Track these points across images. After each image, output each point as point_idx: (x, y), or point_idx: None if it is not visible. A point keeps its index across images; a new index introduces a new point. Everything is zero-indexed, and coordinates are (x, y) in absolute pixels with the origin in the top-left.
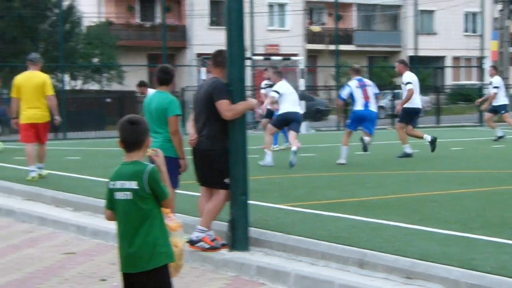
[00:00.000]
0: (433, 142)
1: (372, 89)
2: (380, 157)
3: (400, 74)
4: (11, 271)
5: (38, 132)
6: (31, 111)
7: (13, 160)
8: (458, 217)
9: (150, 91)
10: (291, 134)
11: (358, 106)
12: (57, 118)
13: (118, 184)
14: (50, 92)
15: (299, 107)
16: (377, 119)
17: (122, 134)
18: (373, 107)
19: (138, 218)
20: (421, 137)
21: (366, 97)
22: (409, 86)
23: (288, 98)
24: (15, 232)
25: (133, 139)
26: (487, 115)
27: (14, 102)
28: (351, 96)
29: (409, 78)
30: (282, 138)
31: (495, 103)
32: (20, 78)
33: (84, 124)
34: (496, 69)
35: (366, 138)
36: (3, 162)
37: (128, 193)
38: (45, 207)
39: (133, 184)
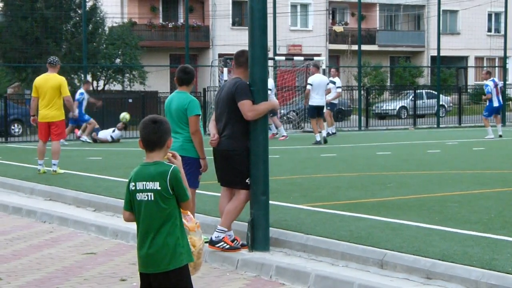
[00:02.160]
0: (325, 140)
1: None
2: (402, 157)
3: (312, 75)
4: (31, 271)
5: (51, 130)
6: (46, 111)
7: (33, 160)
8: (479, 218)
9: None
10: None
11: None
12: (75, 114)
13: (140, 185)
14: (67, 93)
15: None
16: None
17: (144, 133)
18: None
19: (159, 219)
20: (320, 130)
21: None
22: (307, 87)
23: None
24: (35, 232)
25: (155, 139)
26: None
27: (34, 101)
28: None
29: (311, 80)
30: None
31: None
32: (39, 80)
33: (106, 124)
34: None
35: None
36: (24, 162)
37: (150, 194)
38: (66, 207)
39: (156, 185)
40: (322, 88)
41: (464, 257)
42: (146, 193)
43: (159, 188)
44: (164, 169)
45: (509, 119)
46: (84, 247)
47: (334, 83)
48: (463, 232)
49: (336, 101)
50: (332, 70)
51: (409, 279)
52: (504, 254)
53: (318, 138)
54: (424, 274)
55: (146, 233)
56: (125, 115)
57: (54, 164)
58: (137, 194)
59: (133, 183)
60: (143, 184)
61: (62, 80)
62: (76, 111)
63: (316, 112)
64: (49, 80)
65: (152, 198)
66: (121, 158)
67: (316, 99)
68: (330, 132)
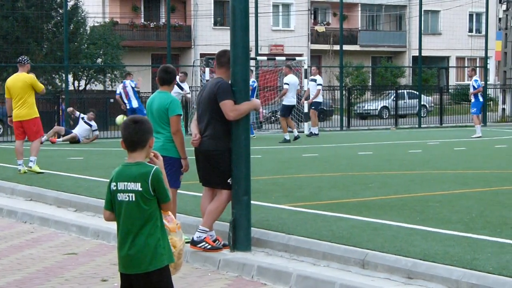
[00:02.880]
0: (296, 138)
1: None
2: (384, 157)
3: (285, 75)
4: (12, 272)
5: (26, 130)
6: (18, 110)
7: (14, 160)
8: (460, 217)
9: None
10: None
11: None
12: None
13: (121, 185)
14: (40, 88)
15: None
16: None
17: (125, 134)
18: None
19: (140, 220)
20: (292, 128)
21: None
22: (285, 86)
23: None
24: (16, 232)
25: (136, 138)
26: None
27: (7, 102)
28: None
29: (288, 80)
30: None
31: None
32: (10, 80)
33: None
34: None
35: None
36: (4, 162)
37: (131, 194)
38: (47, 207)
39: (138, 186)
40: (295, 88)
41: (445, 257)
42: (127, 194)
43: (141, 189)
44: (146, 170)
45: (490, 119)
46: (65, 247)
47: (315, 80)
48: (444, 232)
49: (320, 99)
50: (313, 68)
51: (390, 279)
52: (485, 253)
53: (288, 137)
54: (405, 274)
55: (127, 234)
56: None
57: (31, 161)
58: (118, 194)
59: (114, 183)
60: (124, 185)
61: (31, 78)
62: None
63: (289, 111)
64: (19, 80)
65: (133, 199)
66: (102, 158)
67: (291, 99)
68: (313, 133)
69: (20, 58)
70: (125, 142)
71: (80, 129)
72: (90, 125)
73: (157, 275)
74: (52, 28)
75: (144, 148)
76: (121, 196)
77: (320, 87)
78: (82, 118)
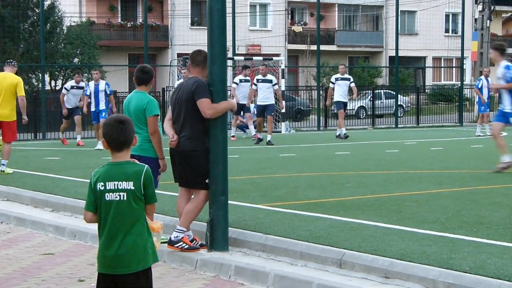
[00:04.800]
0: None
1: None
2: (361, 157)
3: (264, 75)
4: None
5: (3, 131)
6: (0, 109)
7: None
8: (437, 217)
9: None
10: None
11: None
12: (25, 118)
13: (111, 185)
14: (22, 93)
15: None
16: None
17: (111, 134)
18: None
19: (130, 219)
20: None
21: None
22: (277, 87)
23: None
24: None
25: (123, 138)
26: None
27: None
28: None
29: (275, 80)
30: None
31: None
32: None
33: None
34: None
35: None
36: None
37: (122, 193)
38: (23, 207)
39: (130, 185)
40: None
41: (422, 256)
42: (118, 193)
43: (133, 188)
44: (138, 169)
45: (466, 119)
46: (42, 248)
47: (349, 79)
48: (421, 231)
49: (346, 99)
50: (341, 66)
51: (367, 279)
52: (461, 253)
53: (261, 136)
54: (382, 273)
55: (115, 234)
56: None
57: (3, 164)
58: (107, 194)
59: (101, 183)
60: (115, 184)
61: (19, 79)
62: (26, 116)
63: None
64: (7, 78)
65: (125, 198)
66: (79, 159)
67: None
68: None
69: (11, 60)
70: (111, 143)
71: (74, 99)
72: (82, 87)
73: (144, 275)
74: (28, 27)
75: (130, 147)
76: (109, 196)
77: (353, 84)
78: (73, 87)
